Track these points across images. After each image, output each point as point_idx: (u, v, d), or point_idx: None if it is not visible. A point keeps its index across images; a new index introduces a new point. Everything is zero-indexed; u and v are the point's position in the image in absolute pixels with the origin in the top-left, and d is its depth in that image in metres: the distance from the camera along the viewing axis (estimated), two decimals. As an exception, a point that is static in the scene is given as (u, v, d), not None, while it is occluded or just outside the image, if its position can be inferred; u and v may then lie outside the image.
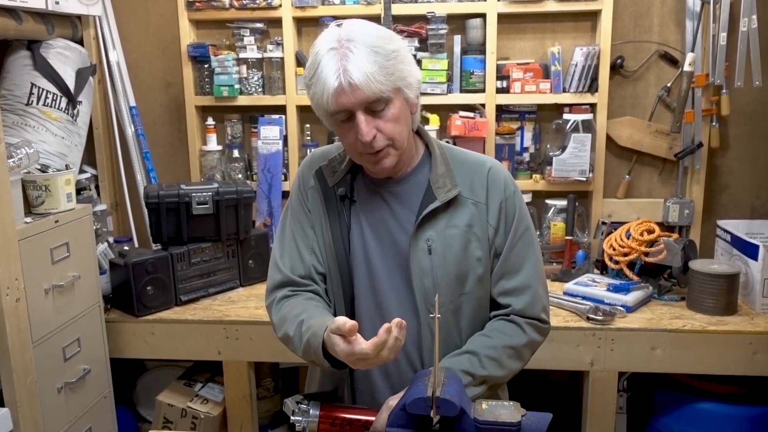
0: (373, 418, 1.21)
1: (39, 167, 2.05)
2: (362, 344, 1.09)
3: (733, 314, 2.12)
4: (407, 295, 1.33)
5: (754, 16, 2.20)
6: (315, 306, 1.33)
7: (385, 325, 1.09)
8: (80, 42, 2.48)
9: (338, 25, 1.23)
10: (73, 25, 2.45)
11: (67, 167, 2.15)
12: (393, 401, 1.21)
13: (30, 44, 2.26)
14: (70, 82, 2.32)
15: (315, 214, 1.39)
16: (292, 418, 1.25)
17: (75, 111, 2.34)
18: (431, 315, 1.10)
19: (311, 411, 1.24)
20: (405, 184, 1.35)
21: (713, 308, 2.11)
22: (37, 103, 2.23)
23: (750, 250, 2.16)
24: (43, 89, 2.25)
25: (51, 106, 2.26)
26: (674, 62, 2.49)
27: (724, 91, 2.37)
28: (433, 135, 2.45)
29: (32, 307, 1.81)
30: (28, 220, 1.85)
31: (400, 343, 1.10)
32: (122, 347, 2.23)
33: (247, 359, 2.22)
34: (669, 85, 2.50)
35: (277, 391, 2.60)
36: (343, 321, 1.11)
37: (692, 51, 2.38)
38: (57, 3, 2.20)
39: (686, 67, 2.36)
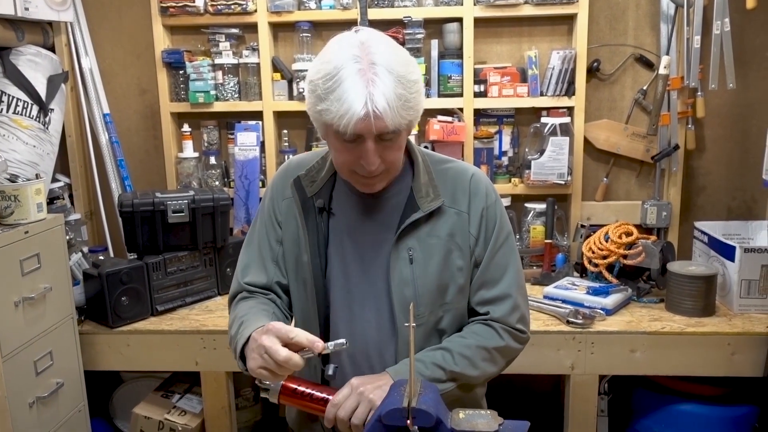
0: (331, 397, 1.22)
1: (8, 177, 2.01)
2: (281, 349, 1.11)
3: (711, 315, 2.13)
4: (386, 307, 1.31)
5: (727, 20, 2.22)
6: (262, 310, 1.31)
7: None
8: (51, 48, 2.44)
9: (356, 31, 1.19)
10: (44, 32, 2.41)
11: (37, 176, 2.10)
12: (356, 380, 1.21)
13: (-1, 51, 2.22)
14: (42, 90, 2.28)
15: (290, 226, 1.36)
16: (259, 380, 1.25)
17: (47, 119, 2.30)
18: (406, 324, 1.08)
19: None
20: (388, 193, 1.33)
21: (691, 310, 2.12)
22: (7, 111, 2.19)
23: (727, 252, 2.17)
24: (13, 97, 2.20)
25: (21, 114, 2.22)
26: (650, 65, 2.51)
27: (699, 93, 2.39)
28: (411, 140, 2.46)
29: (1, 320, 1.77)
30: (-3, 231, 1.81)
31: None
32: (97, 359, 2.19)
33: (226, 369, 2.19)
34: (645, 88, 2.52)
35: (257, 400, 2.57)
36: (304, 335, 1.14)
37: (667, 54, 2.40)
38: (26, 9, 2.16)
39: (661, 70, 2.38)
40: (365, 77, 1.11)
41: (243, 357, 1.22)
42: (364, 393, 1.17)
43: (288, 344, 1.13)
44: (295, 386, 1.25)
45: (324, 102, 1.14)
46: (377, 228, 1.32)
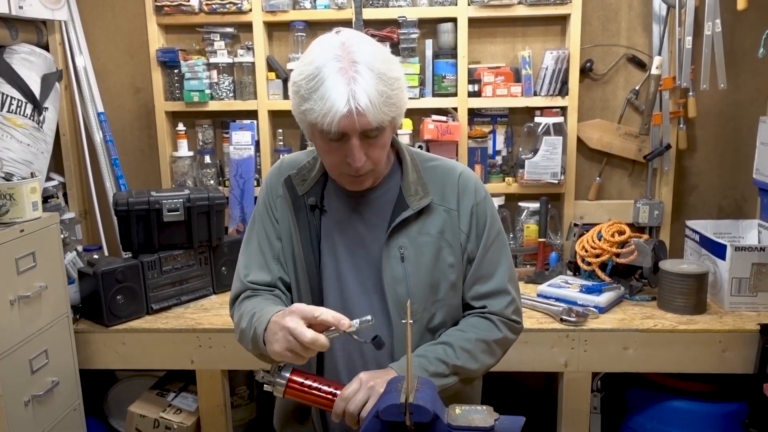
0: (338, 391, 1.21)
1: (3, 175, 2.00)
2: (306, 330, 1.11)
3: (703, 313, 2.15)
4: (380, 305, 1.32)
5: (718, 20, 2.24)
6: (271, 303, 1.32)
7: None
8: (45, 47, 2.44)
9: (336, 32, 1.20)
10: (38, 30, 2.40)
11: (32, 175, 2.10)
12: (365, 375, 1.21)
13: (-7, 50, 2.22)
14: (36, 88, 2.27)
15: (283, 224, 1.37)
16: (262, 375, 1.25)
17: (41, 117, 2.30)
18: (403, 321, 1.09)
19: (282, 373, 1.23)
20: (377, 191, 1.35)
21: (683, 307, 2.14)
22: (1, 110, 2.18)
23: (718, 250, 2.19)
24: (7, 95, 2.20)
25: (16, 113, 2.21)
26: (642, 65, 2.53)
27: (690, 93, 2.41)
28: (406, 139, 2.48)
29: (-3, 319, 1.77)
30: (-8, 229, 1.81)
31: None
32: (92, 358, 2.19)
33: (221, 367, 2.19)
34: (637, 88, 2.54)
35: (252, 398, 2.57)
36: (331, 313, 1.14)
37: (659, 54, 2.42)
38: (21, 8, 2.15)
39: (654, 71, 2.40)
40: (347, 75, 1.13)
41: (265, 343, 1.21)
42: (374, 387, 1.18)
43: (312, 324, 1.13)
44: (302, 380, 1.23)
45: (308, 102, 1.16)
46: (367, 226, 1.34)
